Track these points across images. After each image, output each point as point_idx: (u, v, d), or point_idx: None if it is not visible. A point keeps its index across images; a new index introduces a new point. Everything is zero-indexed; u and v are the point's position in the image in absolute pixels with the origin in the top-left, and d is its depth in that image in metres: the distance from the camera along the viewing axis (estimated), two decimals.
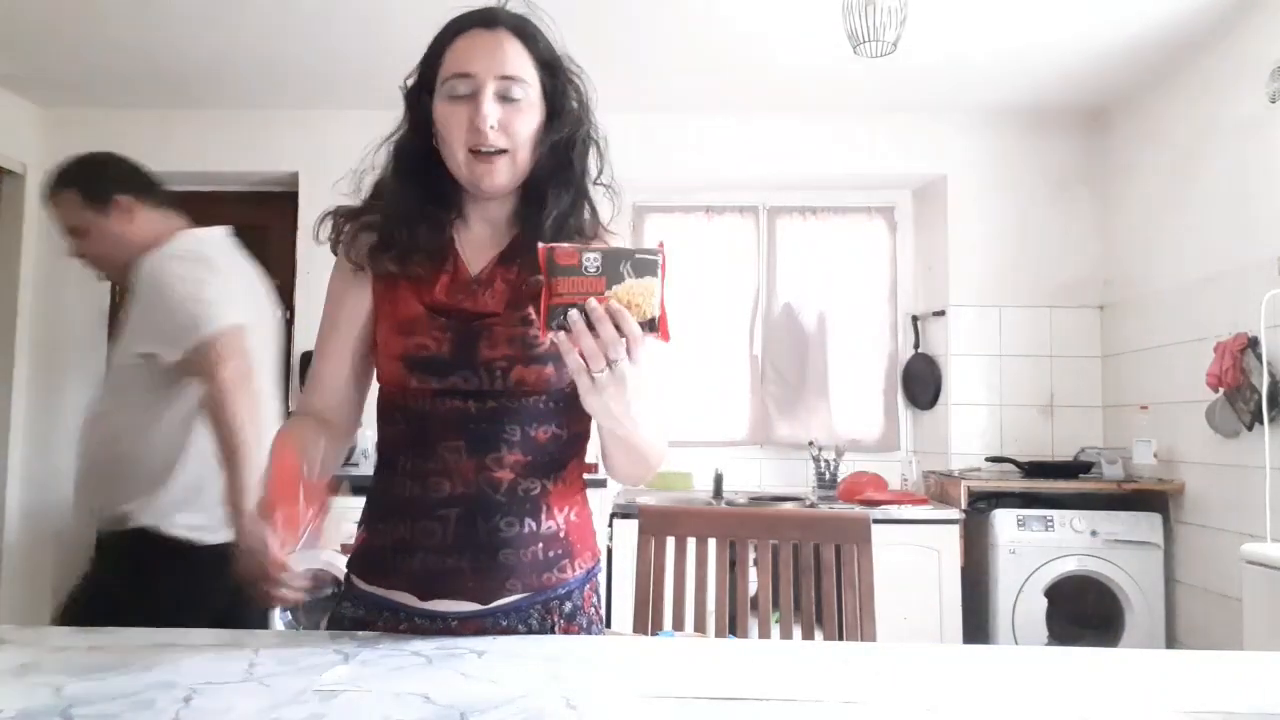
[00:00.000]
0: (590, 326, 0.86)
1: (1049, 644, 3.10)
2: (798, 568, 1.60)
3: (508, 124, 1.04)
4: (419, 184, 1.10)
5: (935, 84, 3.45)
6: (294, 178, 3.80)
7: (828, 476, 3.63)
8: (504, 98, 1.04)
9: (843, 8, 2.44)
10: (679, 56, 3.24)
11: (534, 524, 1.07)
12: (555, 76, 1.09)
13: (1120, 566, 3.11)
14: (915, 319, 3.90)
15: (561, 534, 1.10)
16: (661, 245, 0.92)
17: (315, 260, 3.75)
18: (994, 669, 0.95)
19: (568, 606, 1.11)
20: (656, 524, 1.65)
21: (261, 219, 4.01)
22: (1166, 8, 2.82)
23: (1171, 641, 3.14)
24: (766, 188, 3.97)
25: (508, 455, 1.06)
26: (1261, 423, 2.60)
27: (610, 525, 3.09)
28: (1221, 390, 2.77)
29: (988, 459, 3.55)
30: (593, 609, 1.16)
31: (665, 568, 1.63)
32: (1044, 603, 3.12)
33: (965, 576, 3.14)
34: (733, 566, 1.63)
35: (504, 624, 1.07)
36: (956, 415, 3.66)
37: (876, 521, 1.76)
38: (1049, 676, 0.92)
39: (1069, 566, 3.13)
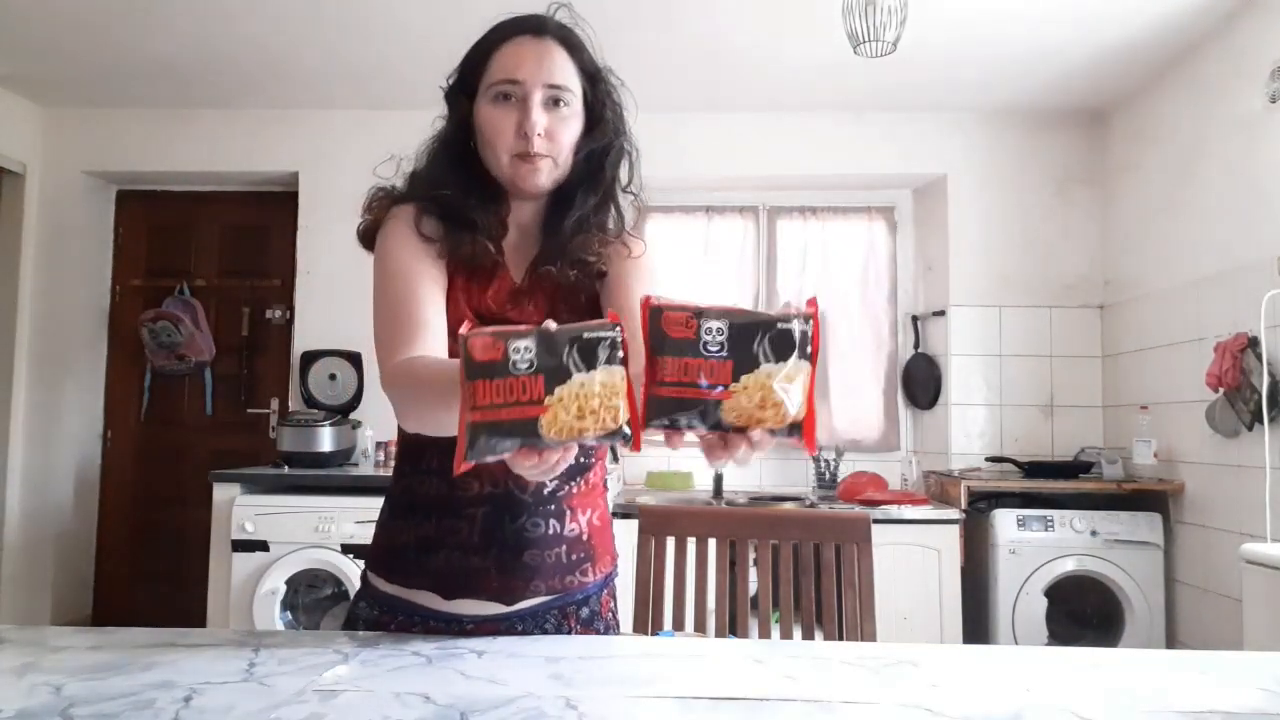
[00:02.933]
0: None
1: (1049, 644, 3.10)
2: (798, 568, 1.60)
3: (553, 132, 1.06)
4: (469, 180, 1.09)
5: (935, 84, 3.45)
6: (294, 178, 3.81)
7: (828, 476, 3.63)
8: (550, 105, 1.06)
9: (843, 8, 2.44)
10: (678, 56, 3.24)
11: (558, 525, 1.07)
12: (596, 87, 1.11)
13: (1120, 566, 3.11)
14: (915, 319, 3.90)
15: (584, 536, 1.10)
16: (814, 304, 0.66)
17: (316, 260, 3.76)
18: (994, 669, 0.95)
19: (585, 612, 1.12)
20: (656, 524, 1.65)
21: (261, 219, 4.02)
22: (1166, 8, 2.82)
23: (1171, 641, 3.14)
24: (766, 188, 3.97)
25: None
26: (1261, 423, 2.60)
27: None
28: (1221, 390, 2.77)
29: (988, 459, 3.55)
30: (610, 614, 1.16)
31: (665, 568, 1.63)
32: (1044, 603, 3.12)
33: (965, 576, 3.14)
34: (733, 566, 1.63)
35: (519, 629, 1.07)
36: (956, 415, 3.66)
37: (876, 521, 1.76)
38: (1049, 676, 0.91)
39: (1069, 566, 3.13)
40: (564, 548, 1.08)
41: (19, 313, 3.73)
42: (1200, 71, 3.07)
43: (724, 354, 0.63)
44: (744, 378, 0.63)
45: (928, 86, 3.47)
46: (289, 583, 2.92)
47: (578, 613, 1.11)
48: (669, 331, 0.63)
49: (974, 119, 3.74)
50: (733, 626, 1.69)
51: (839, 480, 3.61)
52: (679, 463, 3.88)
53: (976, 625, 3.21)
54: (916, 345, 3.88)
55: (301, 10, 2.91)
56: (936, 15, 2.84)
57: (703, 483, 3.76)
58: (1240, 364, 2.68)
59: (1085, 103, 3.60)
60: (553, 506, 1.07)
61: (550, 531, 1.06)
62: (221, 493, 3.02)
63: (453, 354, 0.97)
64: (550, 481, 1.06)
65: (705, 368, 0.62)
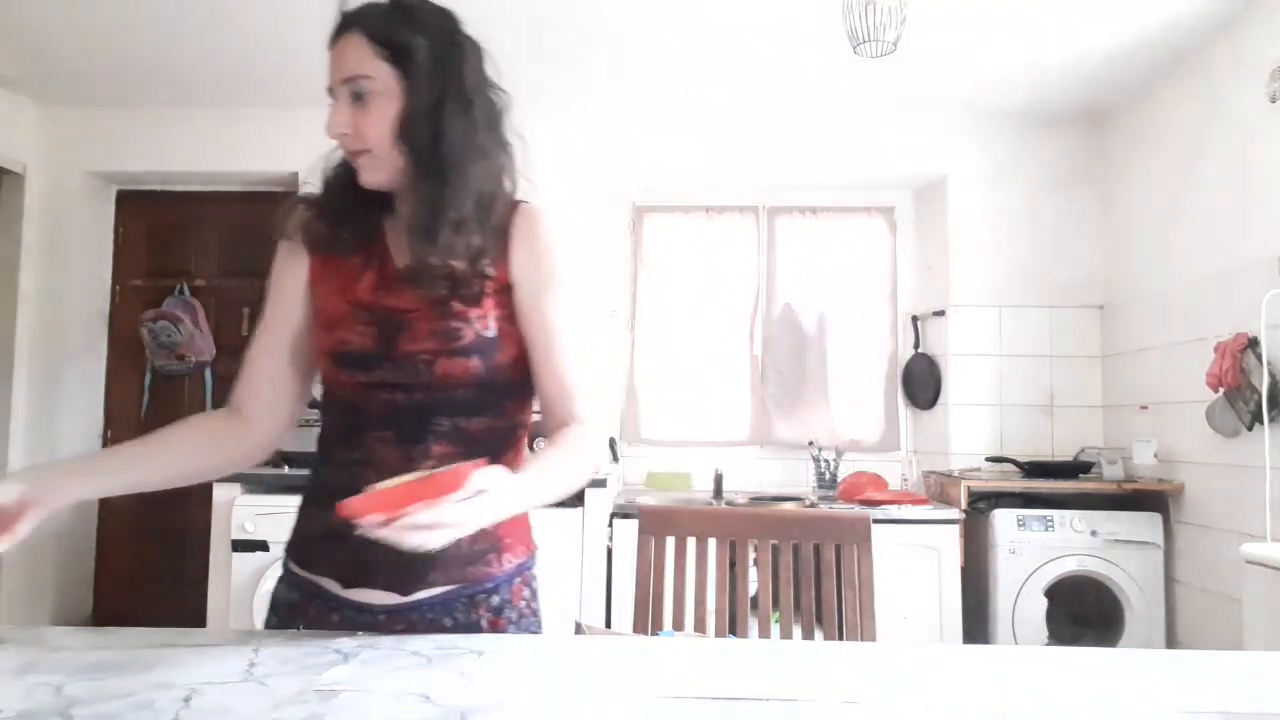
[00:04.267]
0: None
1: (1049, 644, 3.10)
2: (798, 568, 1.60)
3: (358, 125, 1.04)
4: (352, 174, 1.10)
5: (935, 84, 3.45)
6: (294, 178, 3.80)
7: (828, 476, 3.63)
8: (355, 99, 1.04)
9: (843, 8, 2.44)
10: (678, 56, 3.24)
11: None
12: (406, 53, 1.04)
13: (1120, 566, 3.11)
14: (915, 319, 3.90)
15: (489, 527, 1.08)
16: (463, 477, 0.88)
17: None
18: (994, 669, 0.95)
19: (495, 600, 1.11)
20: (656, 524, 1.65)
21: (261, 219, 4.00)
22: (1166, 8, 2.82)
23: (1171, 641, 3.13)
24: (766, 188, 3.97)
25: (435, 446, 1.07)
26: (1261, 423, 2.60)
27: (610, 525, 3.08)
28: (1221, 390, 2.76)
29: (988, 459, 3.55)
30: (524, 603, 1.15)
31: (665, 568, 1.63)
32: (1044, 603, 3.12)
33: (965, 576, 3.14)
34: (733, 566, 1.63)
35: (429, 617, 1.08)
36: (956, 415, 3.66)
37: (876, 521, 1.76)
38: (1049, 676, 0.92)
39: (1069, 566, 3.13)
40: (465, 538, 1.07)
41: (19, 313, 3.72)
42: (1200, 72, 3.07)
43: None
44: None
45: (928, 86, 3.47)
46: None
47: (487, 601, 1.10)
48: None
49: (974, 119, 3.74)
50: (733, 626, 1.69)
51: (839, 480, 3.61)
52: (679, 463, 3.88)
53: (976, 625, 3.21)
54: (916, 345, 3.88)
55: (301, 11, 2.91)
56: (937, 15, 2.84)
57: (703, 483, 3.76)
58: (1240, 364, 2.68)
59: (1085, 103, 3.60)
60: None
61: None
62: (222, 493, 3.02)
63: (272, 394, 1.16)
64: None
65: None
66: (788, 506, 3.27)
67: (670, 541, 1.64)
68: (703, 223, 4.01)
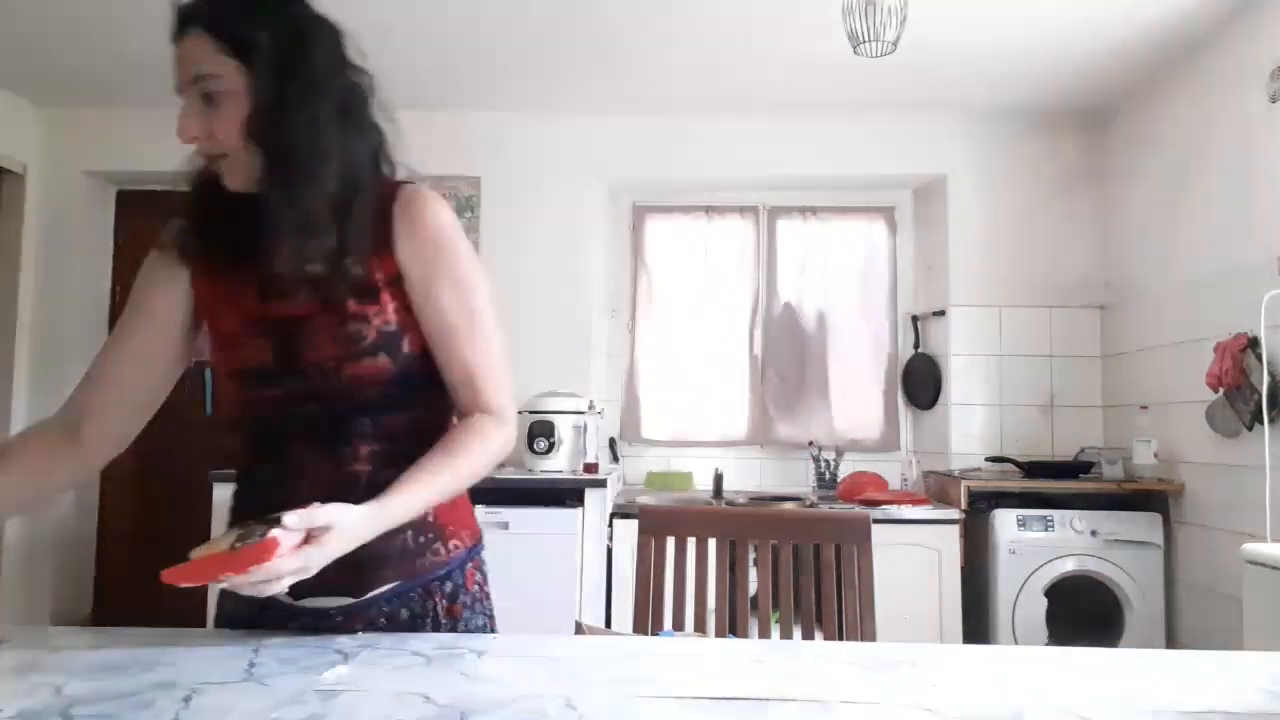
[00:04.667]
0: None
1: (1049, 644, 3.10)
2: (798, 568, 1.60)
3: (209, 127, 0.99)
4: (217, 179, 1.06)
5: (936, 84, 3.45)
6: None
7: (828, 476, 3.63)
8: (206, 100, 0.99)
9: (843, 8, 2.44)
10: (678, 56, 3.24)
11: None
12: (247, 46, 0.98)
13: (1120, 566, 3.11)
14: (915, 319, 3.90)
15: (430, 518, 1.09)
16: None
17: None
18: (994, 669, 0.95)
19: (449, 587, 1.11)
20: (656, 524, 1.65)
21: None
22: (1167, 8, 2.82)
23: (1171, 641, 3.13)
24: (766, 188, 3.97)
25: (362, 448, 1.05)
26: (1261, 423, 2.60)
27: (610, 525, 3.08)
28: (1221, 390, 2.77)
29: (988, 459, 3.55)
30: (477, 587, 1.15)
31: (665, 568, 1.63)
32: (1044, 603, 3.12)
33: (965, 576, 3.14)
34: (733, 566, 1.63)
35: (386, 610, 1.07)
36: (956, 415, 3.66)
37: (876, 521, 1.76)
38: (1049, 676, 0.91)
39: (1069, 566, 3.13)
40: (409, 533, 1.06)
41: (19, 313, 3.72)
42: (1200, 71, 3.07)
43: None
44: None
45: (928, 86, 3.47)
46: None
47: (441, 589, 1.10)
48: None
49: (974, 119, 3.74)
50: (733, 626, 1.69)
51: (839, 480, 3.61)
52: (679, 463, 3.88)
53: (976, 625, 3.21)
54: (916, 345, 3.88)
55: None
56: (937, 15, 2.84)
57: (703, 483, 3.76)
58: (1240, 364, 2.68)
59: (1086, 103, 3.60)
60: None
61: None
62: (222, 493, 3.02)
63: (120, 403, 1.10)
64: (383, 470, 1.03)
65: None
66: (788, 506, 3.27)
67: (670, 541, 1.64)
68: (703, 223, 4.01)
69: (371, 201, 1.04)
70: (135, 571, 3.95)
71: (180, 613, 3.40)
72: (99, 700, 0.77)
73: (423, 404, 1.10)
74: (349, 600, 1.06)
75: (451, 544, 1.12)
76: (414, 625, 1.09)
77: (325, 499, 0.99)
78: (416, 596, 1.08)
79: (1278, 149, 2.66)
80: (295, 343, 1.04)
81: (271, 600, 0.99)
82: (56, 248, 3.83)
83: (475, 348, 1.09)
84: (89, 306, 3.96)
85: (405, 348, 1.06)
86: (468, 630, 1.12)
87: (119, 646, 0.95)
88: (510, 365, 1.13)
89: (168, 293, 1.11)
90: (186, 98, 1.00)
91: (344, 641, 0.99)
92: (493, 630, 1.17)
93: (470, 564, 1.15)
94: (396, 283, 1.06)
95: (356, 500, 0.96)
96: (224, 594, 1.12)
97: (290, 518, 0.88)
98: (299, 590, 0.99)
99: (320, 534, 0.90)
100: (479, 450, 1.05)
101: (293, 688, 0.82)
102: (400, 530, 1.03)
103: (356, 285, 1.04)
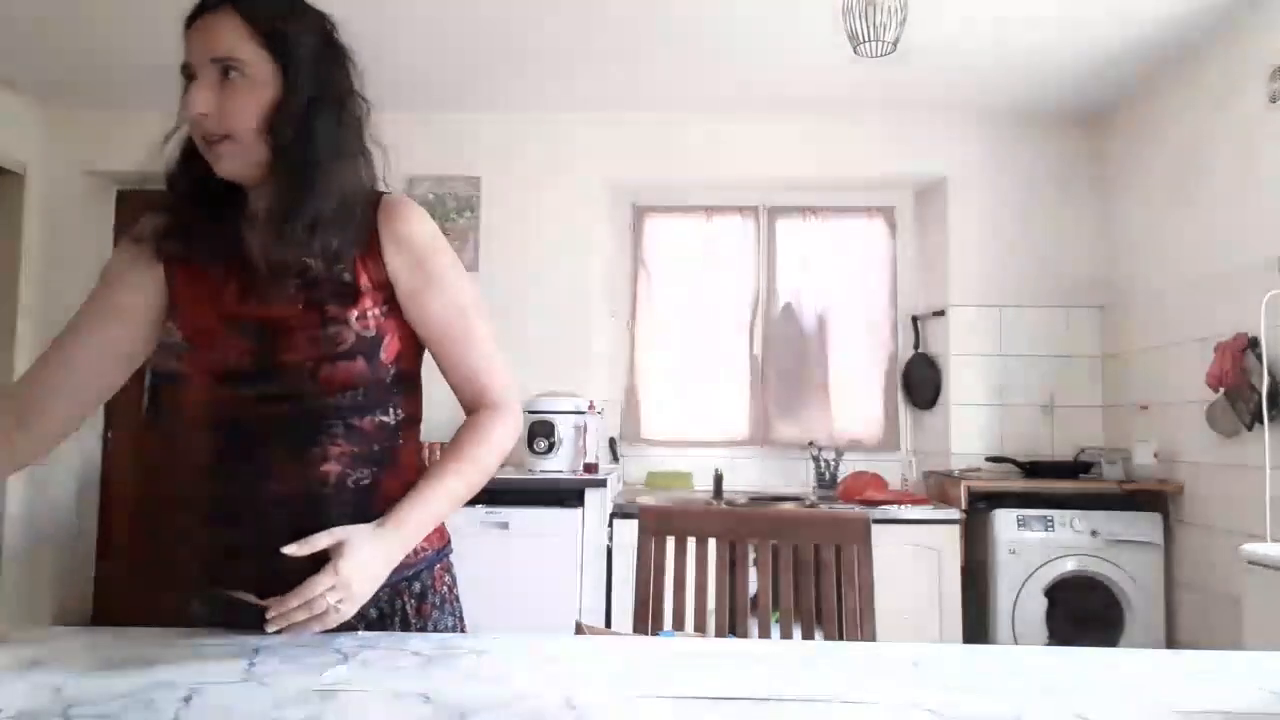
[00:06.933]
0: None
1: (1049, 644, 3.10)
2: (798, 568, 1.60)
3: (223, 108, 0.99)
4: (198, 171, 1.06)
5: (935, 84, 3.45)
6: None
7: (828, 476, 3.63)
8: (222, 80, 0.99)
9: (843, 8, 2.44)
10: (678, 56, 3.24)
11: (368, 515, 1.04)
12: (282, 46, 1.01)
13: (1120, 566, 3.11)
14: (915, 319, 3.90)
15: None
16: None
17: None
18: (994, 669, 0.95)
19: (417, 587, 1.12)
20: (656, 524, 1.65)
21: None
22: (1167, 8, 2.82)
23: (1171, 641, 3.14)
24: (766, 188, 3.97)
25: (333, 449, 1.05)
26: (1261, 423, 2.60)
27: (610, 525, 3.08)
28: (1221, 390, 2.77)
29: (988, 459, 3.55)
30: (445, 589, 1.16)
31: (665, 568, 1.63)
32: (1044, 603, 3.12)
33: (965, 576, 3.14)
34: (732, 566, 1.63)
35: (355, 609, 1.06)
36: (956, 415, 3.66)
37: (876, 521, 1.76)
38: (1049, 676, 0.92)
39: (1069, 566, 3.13)
40: None
41: (19, 313, 3.72)
42: (1200, 72, 3.07)
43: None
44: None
45: (928, 86, 3.47)
46: None
47: (410, 589, 1.11)
48: None
49: (974, 119, 3.74)
50: (733, 626, 1.69)
51: (839, 480, 3.61)
52: (679, 463, 3.88)
53: (976, 625, 3.21)
54: (916, 345, 3.88)
55: None
56: (937, 15, 2.84)
57: (703, 483, 3.76)
58: (1240, 364, 2.68)
59: (1086, 103, 3.60)
60: (360, 496, 1.05)
61: (360, 522, 1.03)
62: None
63: (69, 390, 1.11)
64: (353, 471, 1.05)
65: None
66: (787, 506, 3.27)
67: (670, 541, 1.64)
68: (703, 223, 4.02)
69: (360, 209, 1.07)
70: (135, 571, 3.95)
71: (180, 613, 3.38)
72: (99, 700, 0.77)
73: (391, 409, 1.10)
74: None
75: (422, 545, 1.12)
76: (382, 625, 1.09)
77: (294, 499, 1.01)
78: (385, 596, 1.08)
79: (1277, 149, 2.67)
80: (275, 344, 1.03)
81: (241, 601, 0.99)
82: (56, 248, 3.83)
83: (473, 347, 1.12)
84: None
85: (382, 352, 1.07)
86: (437, 630, 1.12)
87: (119, 646, 0.95)
88: (501, 347, 1.17)
89: (137, 287, 1.12)
90: (201, 73, 1.00)
91: (344, 641, 0.99)
92: (463, 631, 1.18)
93: (439, 565, 1.16)
94: (379, 287, 1.07)
95: (324, 501, 1.00)
96: (194, 597, 1.11)
97: (290, 548, 0.94)
98: (264, 593, 0.98)
99: (334, 549, 0.96)
100: (488, 451, 1.11)
101: (293, 688, 0.81)
102: None
103: (339, 289, 1.05)
